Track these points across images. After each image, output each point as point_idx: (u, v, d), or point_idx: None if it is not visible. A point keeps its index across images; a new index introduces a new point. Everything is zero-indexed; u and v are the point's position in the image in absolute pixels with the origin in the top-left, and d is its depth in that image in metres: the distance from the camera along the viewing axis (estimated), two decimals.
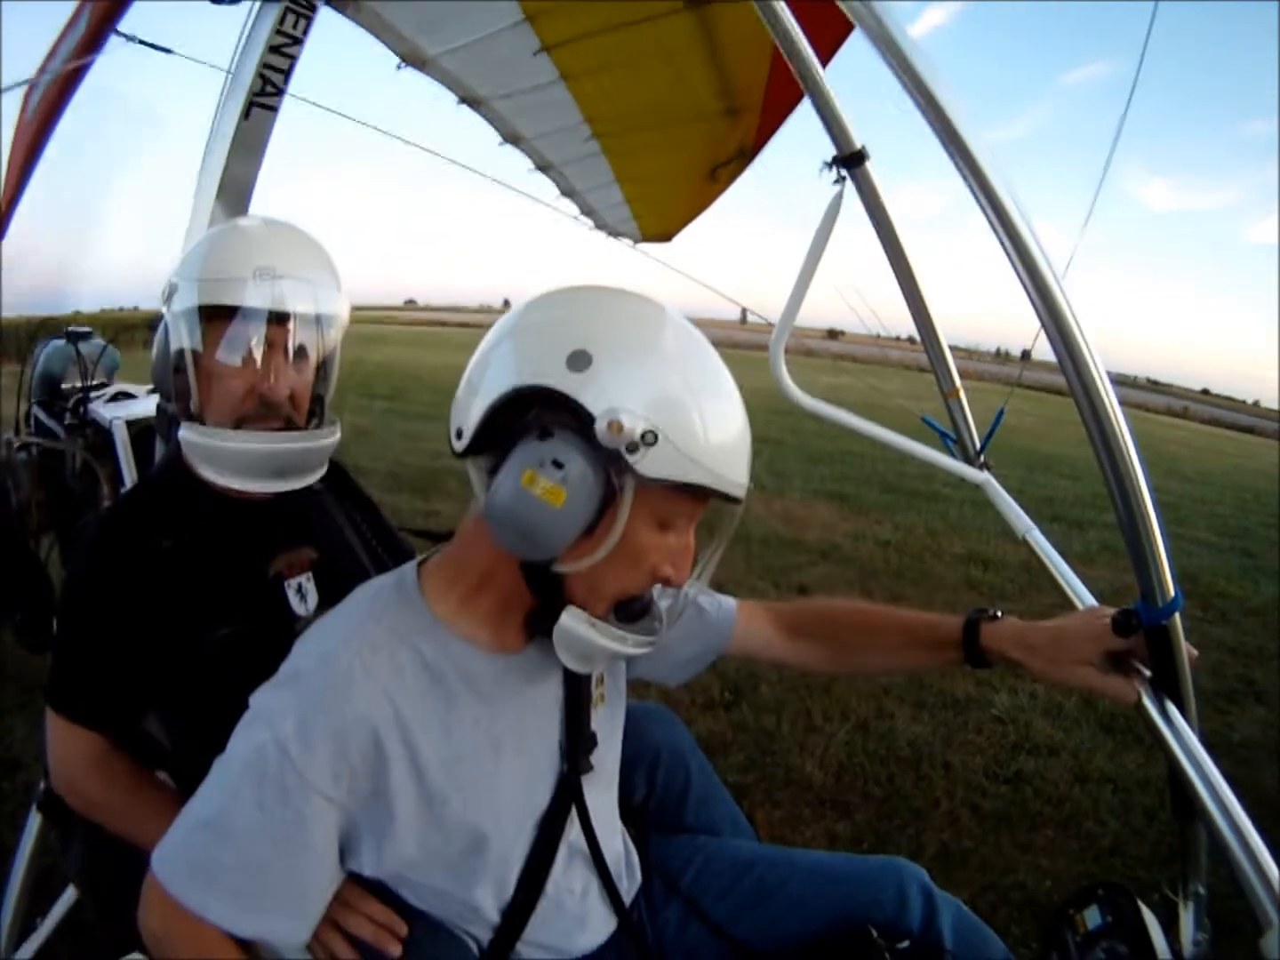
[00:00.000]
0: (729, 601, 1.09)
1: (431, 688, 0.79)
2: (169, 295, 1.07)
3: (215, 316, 1.05)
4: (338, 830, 0.77)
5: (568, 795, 0.89)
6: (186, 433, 1.06)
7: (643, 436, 0.68)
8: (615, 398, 0.69)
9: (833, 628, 1.10)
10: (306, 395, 1.12)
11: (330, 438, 1.15)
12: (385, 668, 0.77)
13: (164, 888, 0.74)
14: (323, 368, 1.16)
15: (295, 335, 1.08)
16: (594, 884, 0.94)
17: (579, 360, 0.70)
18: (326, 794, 0.73)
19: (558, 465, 0.69)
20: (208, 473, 1.07)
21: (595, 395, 0.69)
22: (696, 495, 0.74)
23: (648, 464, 0.69)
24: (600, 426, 0.68)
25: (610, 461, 0.70)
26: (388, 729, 0.75)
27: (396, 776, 0.76)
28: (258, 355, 1.05)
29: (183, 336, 1.06)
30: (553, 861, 0.87)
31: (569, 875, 0.90)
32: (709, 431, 0.72)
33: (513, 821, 0.84)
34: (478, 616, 0.82)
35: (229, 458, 1.06)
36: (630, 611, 0.82)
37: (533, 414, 0.72)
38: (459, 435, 0.76)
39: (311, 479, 1.16)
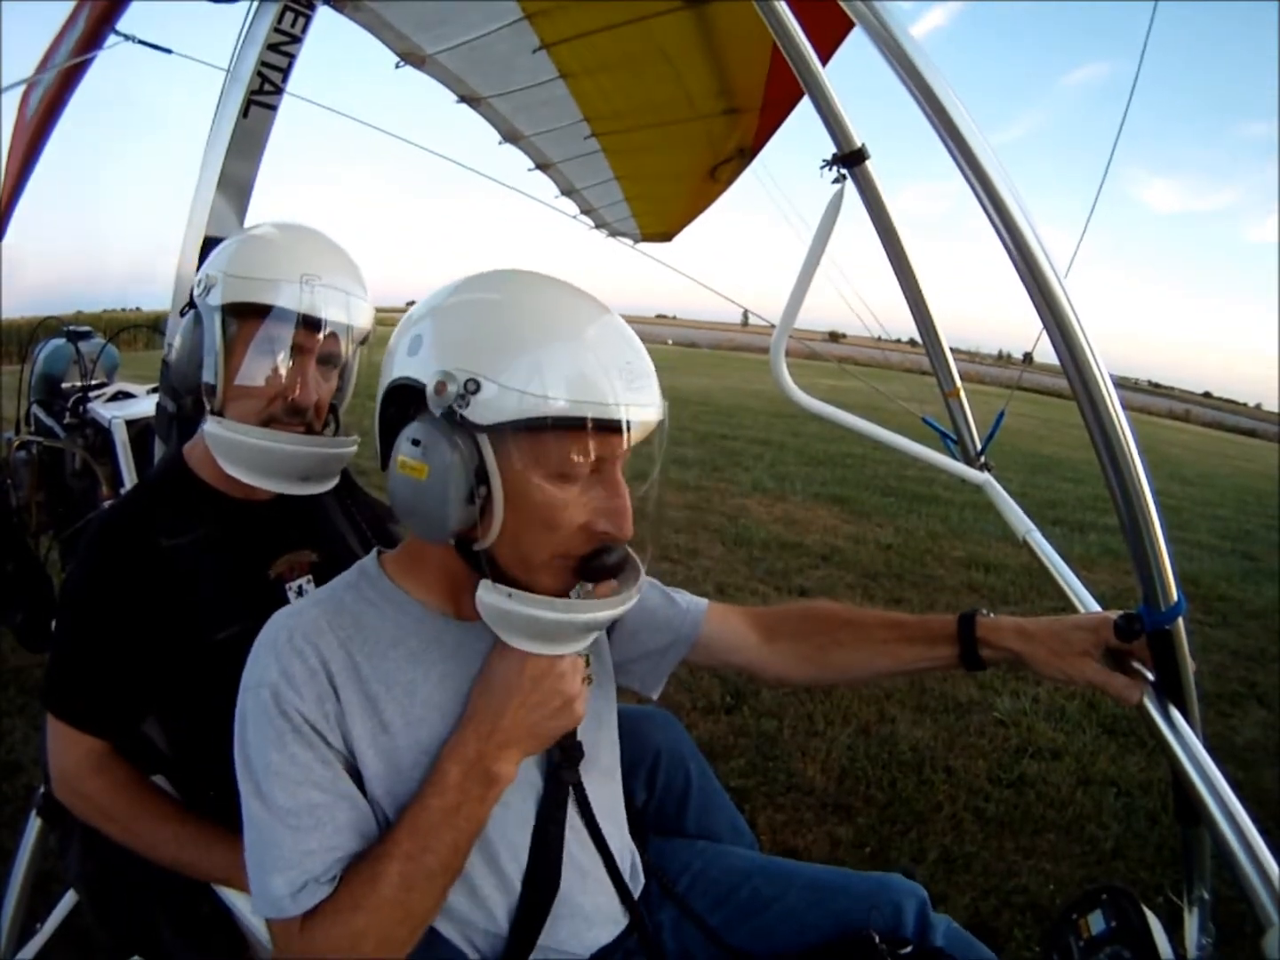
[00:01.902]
0: (701, 598, 1.07)
1: (393, 647, 0.80)
2: (205, 288, 1.07)
3: (253, 315, 1.05)
4: (345, 765, 0.77)
5: (562, 780, 0.87)
6: (214, 427, 1.05)
7: (465, 385, 0.69)
8: (436, 362, 0.71)
9: (816, 625, 1.05)
10: (328, 403, 1.13)
11: (352, 446, 1.16)
12: (348, 625, 0.80)
13: (272, 919, 0.74)
14: (344, 377, 1.16)
15: (329, 344, 1.09)
16: (598, 880, 0.92)
17: (415, 344, 0.74)
18: (321, 732, 0.76)
19: (415, 443, 0.72)
20: (230, 469, 1.06)
21: (425, 367, 0.72)
22: (569, 430, 0.70)
23: (480, 411, 0.70)
24: (429, 393, 0.70)
25: (457, 424, 0.70)
26: (344, 679, 0.77)
27: (358, 728, 0.77)
28: (294, 359, 1.06)
29: (217, 331, 1.06)
30: (561, 854, 0.85)
31: (572, 869, 0.88)
32: (549, 363, 0.70)
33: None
34: (435, 589, 0.85)
35: (256, 456, 1.05)
36: (594, 570, 0.77)
37: (405, 409, 0.75)
38: (378, 454, 0.80)
39: (329, 485, 1.16)
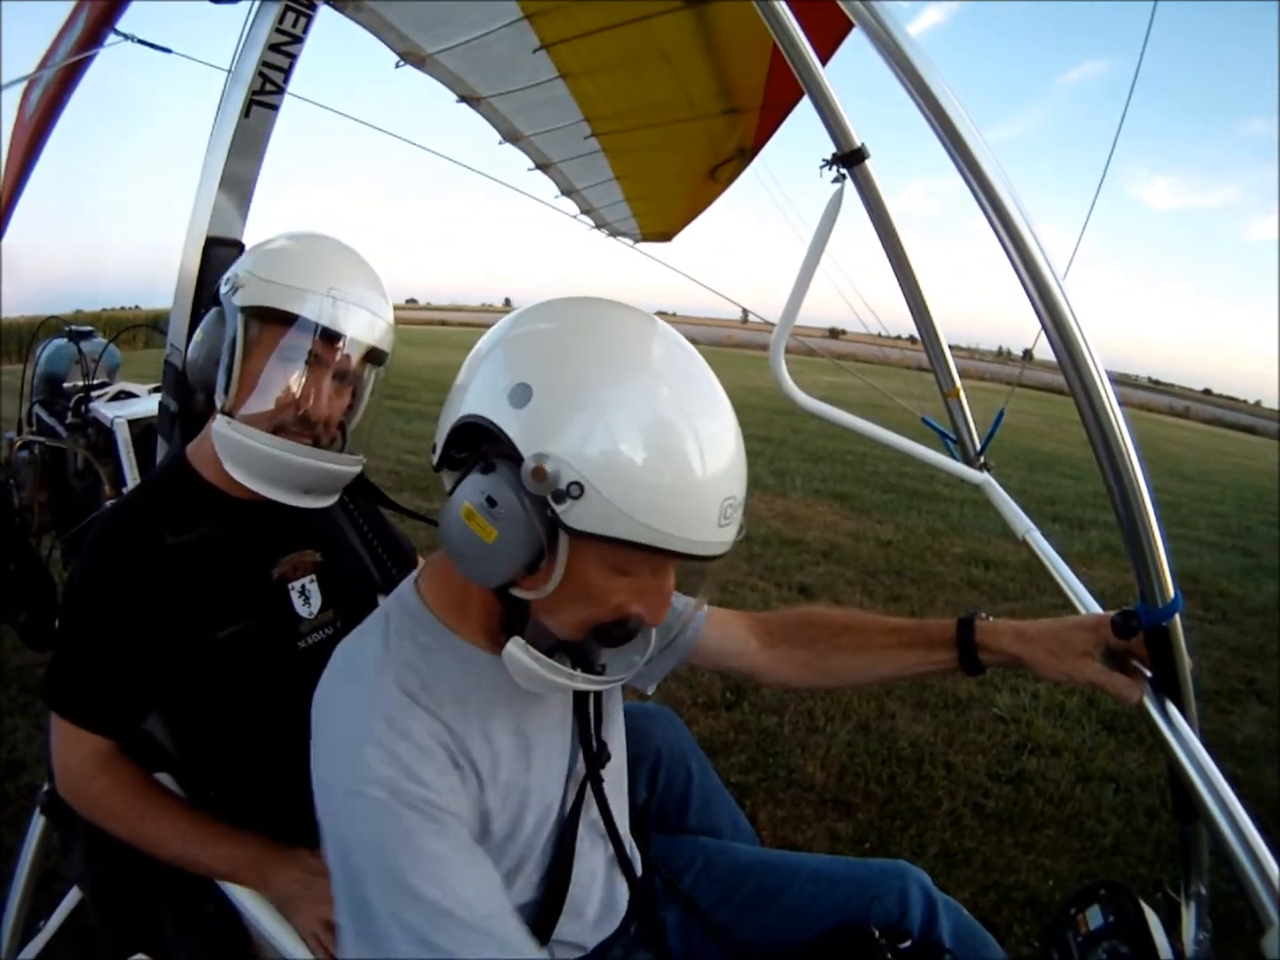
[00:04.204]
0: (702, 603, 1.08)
1: (463, 702, 0.78)
2: (233, 288, 1.07)
3: (276, 321, 1.05)
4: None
5: (585, 784, 0.88)
6: (223, 427, 1.05)
7: (568, 488, 0.65)
8: (545, 440, 0.66)
9: (816, 631, 1.06)
10: (339, 419, 1.13)
11: (358, 467, 1.17)
12: (417, 688, 0.75)
13: None
14: (356, 396, 1.17)
15: (347, 361, 1.09)
16: (607, 876, 0.94)
17: (519, 395, 0.67)
18: (453, 810, 0.72)
19: (492, 502, 0.67)
20: (234, 471, 1.06)
21: (527, 434, 0.67)
22: (655, 552, 0.67)
23: (575, 517, 0.65)
24: (526, 469, 0.65)
25: (541, 506, 0.67)
26: (446, 741, 0.75)
27: (470, 785, 0.76)
28: (310, 371, 1.06)
29: (239, 331, 1.06)
30: (574, 858, 0.87)
31: (582, 866, 0.90)
32: (658, 486, 0.65)
33: (534, 818, 0.83)
34: (474, 624, 0.82)
35: (263, 463, 1.05)
36: (611, 637, 0.76)
37: (482, 444, 0.71)
38: (434, 449, 0.77)
39: (329, 501, 1.17)
